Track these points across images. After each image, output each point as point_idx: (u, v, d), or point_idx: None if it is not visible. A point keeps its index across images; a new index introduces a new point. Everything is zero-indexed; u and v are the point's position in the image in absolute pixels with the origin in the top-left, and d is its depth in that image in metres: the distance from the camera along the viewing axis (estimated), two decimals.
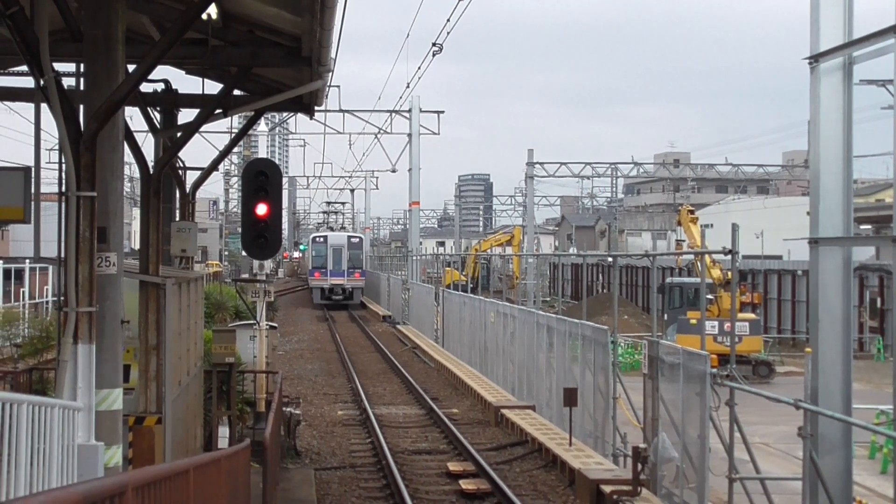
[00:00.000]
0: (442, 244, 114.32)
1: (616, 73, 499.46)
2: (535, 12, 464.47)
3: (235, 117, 40.88)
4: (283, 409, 15.86)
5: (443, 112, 45.47)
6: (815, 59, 9.53)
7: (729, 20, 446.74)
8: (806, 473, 9.67)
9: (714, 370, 11.56)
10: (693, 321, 27.62)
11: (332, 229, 69.53)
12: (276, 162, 12.99)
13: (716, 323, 27.95)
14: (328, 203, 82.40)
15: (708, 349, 12.75)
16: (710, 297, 29.03)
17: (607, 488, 12.90)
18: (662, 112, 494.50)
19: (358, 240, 58.56)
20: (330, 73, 11.11)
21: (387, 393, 24.49)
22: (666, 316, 31.39)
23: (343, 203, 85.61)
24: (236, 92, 12.51)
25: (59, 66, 9.71)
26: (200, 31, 10.16)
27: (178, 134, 12.23)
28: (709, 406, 11.41)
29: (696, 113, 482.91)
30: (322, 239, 58.36)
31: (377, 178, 75.79)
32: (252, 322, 17.83)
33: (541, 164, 57.25)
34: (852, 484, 9.78)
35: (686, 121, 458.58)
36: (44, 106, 8.26)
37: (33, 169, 8.93)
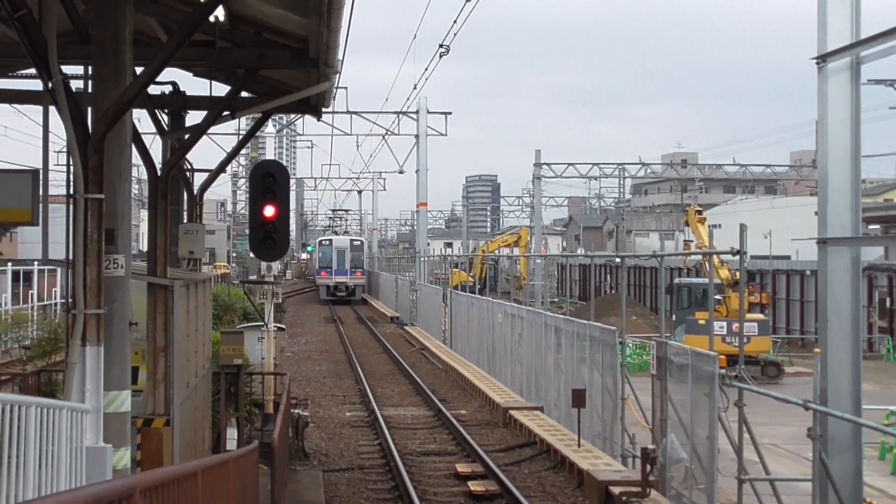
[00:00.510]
0: (450, 245, 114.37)
1: (616, 73, 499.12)
2: (536, 12, 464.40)
3: (243, 119, 40.77)
4: (292, 410, 15.87)
5: (450, 113, 45.48)
6: (823, 58, 9.50)
7: (728, 20, 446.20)
8: (815, 474, 9.63)
9: (723, 371, 11.54)
10: (701, 322, 27.55)
11: (336, 233, 77.73)
12: (284, 163, 12.96)
13: (724, 323, 27.88)
14: (333, 210, 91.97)
15: (716, 350, 12.73)
16: (718, 297, 28.96)
17: (616, 489, 12.88)
18: (663, 112, 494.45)
19: (359, 243, 66.03)
20: (337, 75, 11.10)
21: (395, 394, 24.49)
22: (674, 316, 31.32)
23: (346, 210, 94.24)
24: (244, 94, 12.51)
25: (67, 69, 9.74)
26: (208, 33, 10.16)
27: (186, 136, 12.24)
28: (718, 407, 11.38)
29: (696, 113, 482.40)
30: (328, 242, 65.88)
31: (385, 179, 76.04)
32: (260, 324, 17.86)
33: (548, 164, 57.24)
34: (862, 485, 9.74)
35: (686, 121, 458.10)
36: (52, 108, 8.28)
37: (41, 171, 8.95)
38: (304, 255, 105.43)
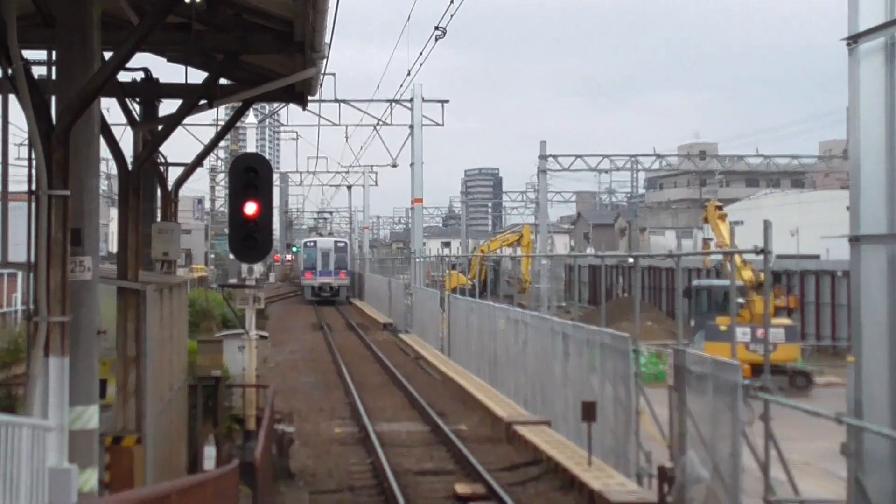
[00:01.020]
0: (447, 245, 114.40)
1: (631, 60, 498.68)
2: None
3: (222, 109, 40.96)
4: (275, 426, 15.85)
5: (447, 101, 45.55)
6: (854, 39, 9.48)
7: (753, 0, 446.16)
8: (850, 495, 9.62)
9: (747, 381, 11.52)
10: (723, 327, 27.52)
11: (321, 235, 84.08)
12: (267, 157, 12.99)
13: (748, 329, 27.83)
14: (318, 212, 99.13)
15: (739, 358, 12.73)
16: (740, 300, 28.93)
17: None
18: (679, 100, 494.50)
19: (343, 244, 73.47)
20: (324, 60, 11.09)
21: (388, 408, 24.51)
22: (693, 322, 31.29)
23: (331, 212, 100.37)
24: (222, 81, 12.50)
25: (29, 54, 9.71)
26: (183, 15, 10.15)
27: (160, 127, 12.23)
28: (741, 421, 11.36)
29: (716, 100, 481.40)
30: (313, 244, 72.75)
31: (376, 173, 75.95)
32: (240, 331, 17.84)
33: (554, 157, 57.27)
34: None
35: (705, 108, 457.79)
36: (11, 97, 8.25)
37: (0, 166, 8.92)
38: (288, 257, 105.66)
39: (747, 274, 29.86)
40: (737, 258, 26.89)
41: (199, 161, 14.58)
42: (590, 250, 74.51)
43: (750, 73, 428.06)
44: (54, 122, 8.00)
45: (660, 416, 15.39)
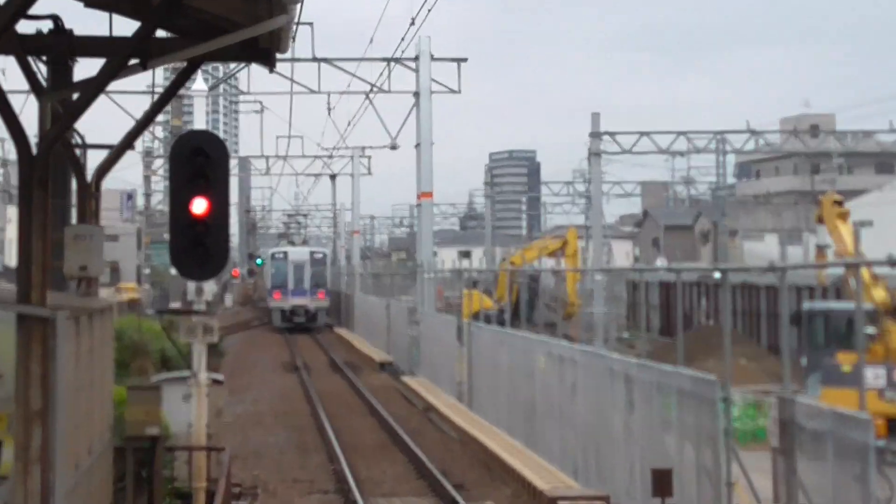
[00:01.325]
0: (467, 255, 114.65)
1: (712, 7, 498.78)
2: None
3: (160, 71, 41.03)
4: (233, 503, 15.82)
5: (465, 60, 45.60)
6: None
7: None
8: None
9: (881, 442, 11.46)
10: (846, 367, 27.43)
11: (293, 243, 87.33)
12: (221, 136, 13.01)
13: (881, 370, 27.74)
14: (289, 216, 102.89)
15: (871, 410, 12.67)
16: (870, 330, 28.82)
17: None
18: (784, 58, 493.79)
19: (322, 255, 76.47)
20: (298, 5, 11.07)
21: (387, 478, 24.58)
22: (804, 360, 31.20)
23: (305, 214, 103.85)
24: (160, 33, 12.48)
25: None
26: None
27: (75, 95, 12.22)
28: (874, 496, 11.29)
29: (831, 56, 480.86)
30: (282, 255, 75.36)
31: (370, 157, 76.13)
32: (186, 374, 17.85)
33: (611, 134, 57.34)
34: None
35: (817, 68, 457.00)
36: None
37: None
38: (250, 272, 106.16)
39: (879, 294, 29.75)
40: (864, 272, 26.76)
41: (129, 142, 14.58)
42: (661, 261, 74.49)
43: (880, 18, 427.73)
44: None
45: (760, 490, 15.35)
